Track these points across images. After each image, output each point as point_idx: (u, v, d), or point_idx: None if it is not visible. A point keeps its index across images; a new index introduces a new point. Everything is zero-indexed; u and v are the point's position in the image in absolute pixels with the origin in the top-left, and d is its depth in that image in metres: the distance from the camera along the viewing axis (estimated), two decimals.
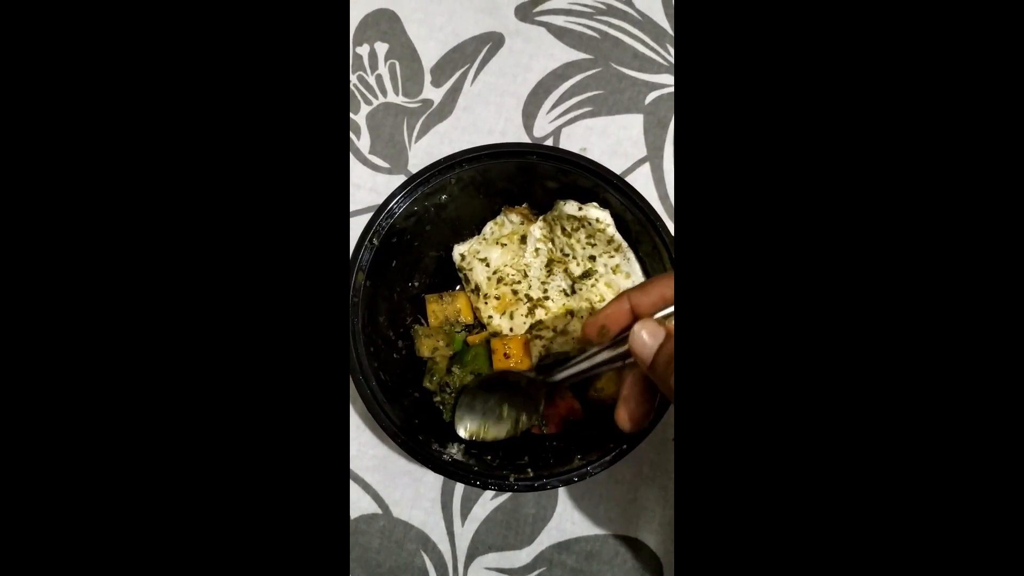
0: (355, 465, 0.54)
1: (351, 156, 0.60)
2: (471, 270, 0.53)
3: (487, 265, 0.52)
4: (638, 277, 0.50)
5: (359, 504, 0.53)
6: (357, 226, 0.49)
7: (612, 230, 0.49)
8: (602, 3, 0.64)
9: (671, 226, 0.51)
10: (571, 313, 0.51)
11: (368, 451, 0.54)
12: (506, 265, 0.52)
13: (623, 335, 0.37)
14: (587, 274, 0.51)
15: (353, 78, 0.62)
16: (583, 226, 0.50)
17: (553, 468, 0.44)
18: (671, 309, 0.36)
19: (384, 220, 0.47)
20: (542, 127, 0.61)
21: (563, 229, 0.51)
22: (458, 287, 0.55)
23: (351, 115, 0.61)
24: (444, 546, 0.52)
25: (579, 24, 0.63)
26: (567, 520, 0.52)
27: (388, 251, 0.49)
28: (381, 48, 0.63)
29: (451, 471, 0.44)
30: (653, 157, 0.60)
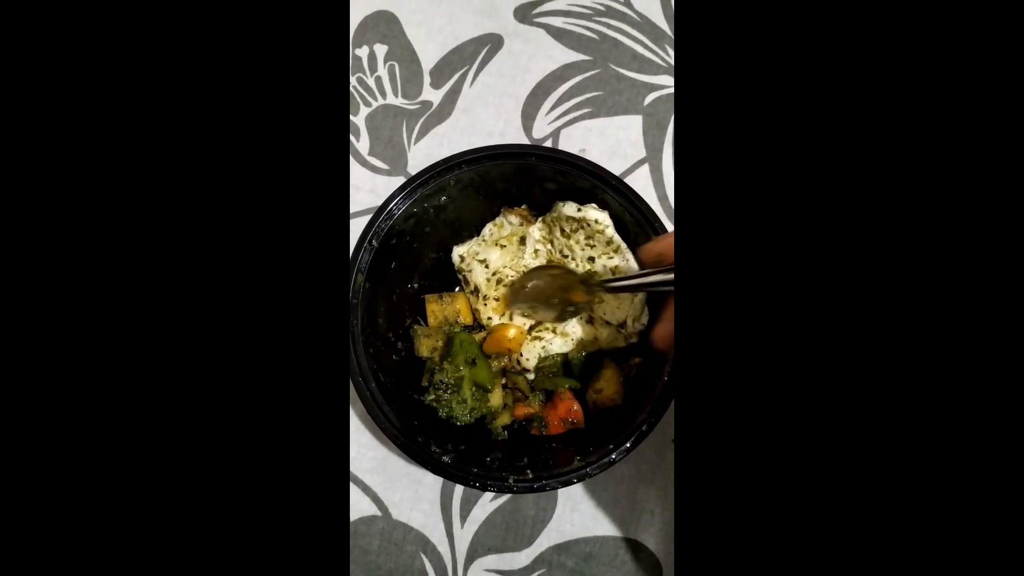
0: (355, 467, 0.54)
1: (351, 158, 0.60)
2: (470, 271, 0.52)
3: (486, 266, 0.52)
4: None
5: (359, 506, 0.53)
6: (356, 227, 0.49)
7: (611, 231, 0.49)
8: (601, 4, 0.64)
9: (670, 227, 0.51)
10: None
11: (368, 453, 0.54)
12: (505, 266, 0.52)
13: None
14: None
15: (352, 80, 0.62)
16: (582, 227, 0.50)
17: (552, 469, 0.44)
18: None
19: (383, 222, 0.47)
20: (541, 128, 0.61)
21: (562, 230, 0.51)
22: (457, 288, 0.55)
23: (350, 117, 0.61)
24: (443, 548, 0.52)
25: (578, 25, 0.63)
26: (566, 522, 0.52)
27: (387, 253, 0.49)
28: (380, 50, 0.63)
29: (450, 473, 0.44)
30: (652, 158, 0.60)
